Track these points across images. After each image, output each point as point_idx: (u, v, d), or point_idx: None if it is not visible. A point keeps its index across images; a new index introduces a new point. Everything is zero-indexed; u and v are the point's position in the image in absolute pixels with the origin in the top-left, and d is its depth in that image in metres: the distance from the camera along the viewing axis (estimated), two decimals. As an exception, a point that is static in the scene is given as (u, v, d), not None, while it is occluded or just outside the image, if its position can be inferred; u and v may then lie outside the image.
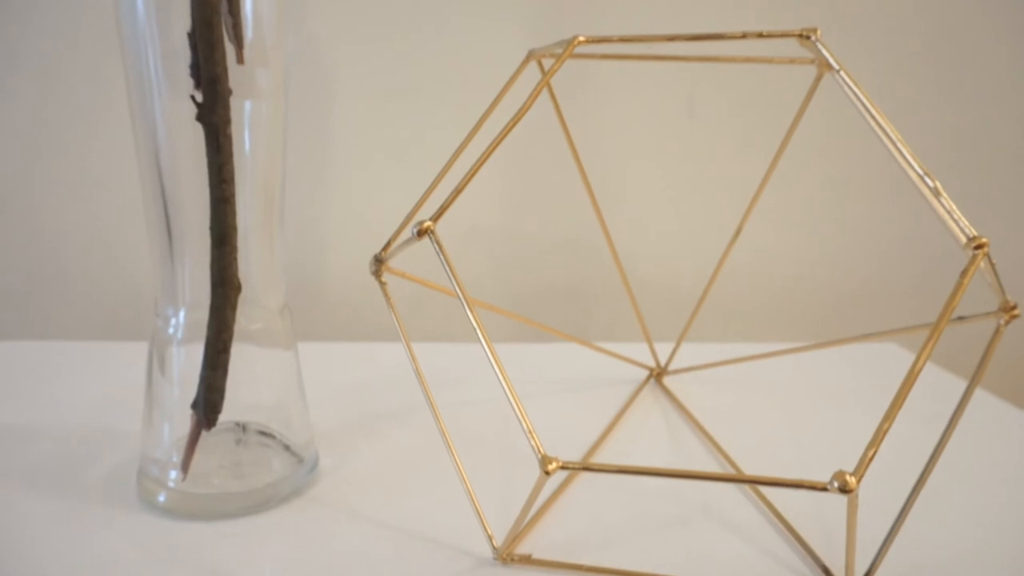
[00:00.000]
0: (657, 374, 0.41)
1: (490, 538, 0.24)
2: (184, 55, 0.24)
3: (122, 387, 0.37)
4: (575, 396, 0.39)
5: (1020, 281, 0.50)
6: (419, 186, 0.52)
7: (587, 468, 0.18)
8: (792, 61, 0.27)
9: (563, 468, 0.18)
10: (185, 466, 0.26)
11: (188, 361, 0.26)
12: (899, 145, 0.20)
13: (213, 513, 0.26)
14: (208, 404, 0.26)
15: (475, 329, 0.20)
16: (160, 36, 0.24)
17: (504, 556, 0.23)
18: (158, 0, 0.24)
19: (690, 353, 0.42)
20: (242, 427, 0.29)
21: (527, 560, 0.23)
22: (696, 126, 0.52)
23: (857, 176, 0.54)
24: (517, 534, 0.22)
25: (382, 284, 0.27)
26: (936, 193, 0.20)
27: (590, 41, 0.23)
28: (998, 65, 0.54)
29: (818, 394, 0.40)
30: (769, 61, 0.27)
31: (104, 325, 0.49)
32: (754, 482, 0.17)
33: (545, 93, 0.27)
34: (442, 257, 0.21)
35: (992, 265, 0.21)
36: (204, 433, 0.27)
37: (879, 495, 0.26)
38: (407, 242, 0.22)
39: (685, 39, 0.23)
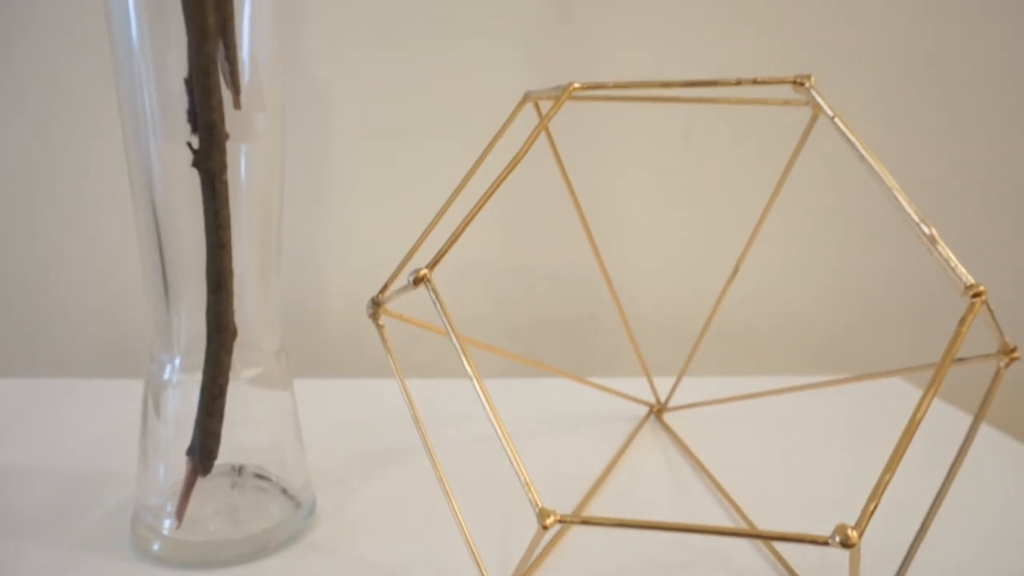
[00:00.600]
0: (657, 410, 0.40)
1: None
2: (181, 99, 0.24)
3: (119, 426, 0.36)
4: (574, 434, 0.38)
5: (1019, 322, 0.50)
6: (418, 222, 0.52)
7: (585, 522, 0.18)
8: (787, 103, 0.27)
9: (561, 522, 0.18)
10: (180, 514, 0.26)
11: (184, 404, 0.26)
12: (894, 192, 0.20)
13: (209, 561, 0.26)
14: (204, 450, 0.26)
15: (471, 379, 0.20)
16: (156, 81, 0.25)
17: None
18: (154, 46, 0.24)
19: (691, 388, 0.42)
20: (238, 470, 0.28)
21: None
22: (694, 157, 0.52)
23: (857, 208, 0.54)
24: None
25: (379, 327, 0.26)
26: (932, 241, 0.20)
27: (585, 88, 0.23)
28: (995, 99, 0.55)
29: (822, 431, 0.39)
30: (764, 103, 0.27)
31: (102, 362, 0.49)
32: (756, 536, 0.17)
33: (542, 135, 0.27)
34: (438, 306, 0.21)
35: (990, 311, 0.21)
36: (200, 479, 0.26)
37: (883, 534, 0.26)
38: (403, 289, 0.22)
39: (679, 85, 0.23)
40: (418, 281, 0.21)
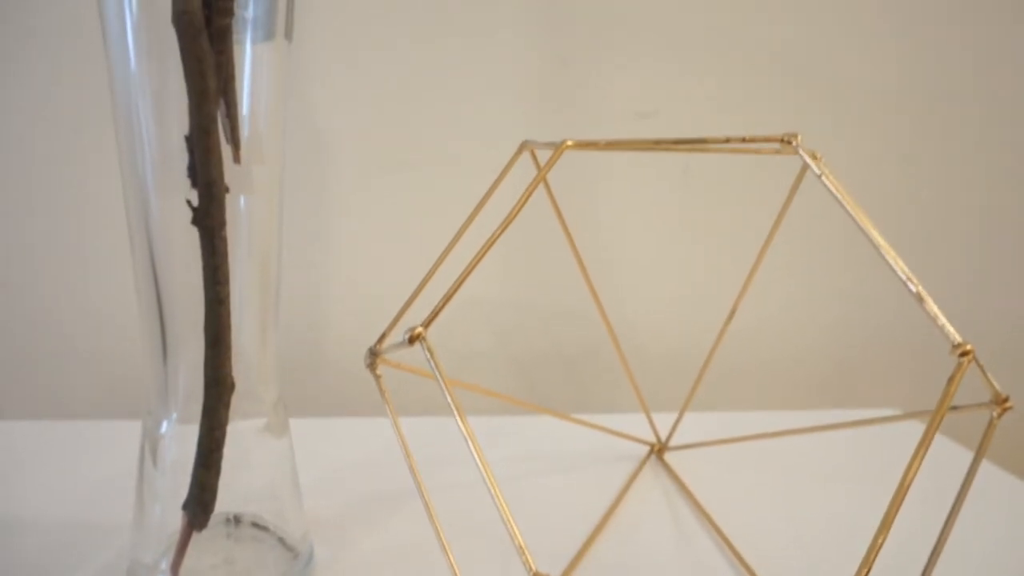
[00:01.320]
0: (658, 450, 0.40)
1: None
2: (180, 155, 0.25)
3: (114, 471, 0.36)
4: (572, 475, 0.38)
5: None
6: (417, 262, 0.52)
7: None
8: (778, 152, 0.27)
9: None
10: (175, 570, 0.26)
11: (180, 455, 0.26)
12: (882, 250, 0.21)
13: (205, 615, 0.26)
14: (200, 504, 0.26)
15: (467, 441, 0.20)
16: (157, 137, 0.25)
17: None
18: (155, 102, 0.25)
19: (693, 424, 0.42)
20: (234, 520, 0.29)
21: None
22: (692, 192, 0.52)
23: (859, 240, 0.55)
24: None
25: (377, 377, 0.27)
26: (920, 298, 0.20)
27: (577, 146, 0.23)
28: (988, 144, 0.55)
29: (824, 470, 0.39)
30: (757, 152, 0.27)
31: (100, 402, 0.49)
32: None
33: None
34: (432, 363, 0.21)
35: (980, 366, 0.21)
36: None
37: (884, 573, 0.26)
38: (399, 345, 0.23)
39: (670, 143, 0.23)
40: (413, 340, 0.21)
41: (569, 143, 0.23)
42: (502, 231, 0.22)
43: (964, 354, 0.19)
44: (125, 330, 0.49)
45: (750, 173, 0.52)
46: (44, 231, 0.48)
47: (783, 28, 0.52)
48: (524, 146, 0.30)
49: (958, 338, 0.19)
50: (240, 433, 0.27)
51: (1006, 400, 0.24)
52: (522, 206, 0.23)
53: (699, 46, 0.51)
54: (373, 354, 0.26)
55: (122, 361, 0.49)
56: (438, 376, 0.21)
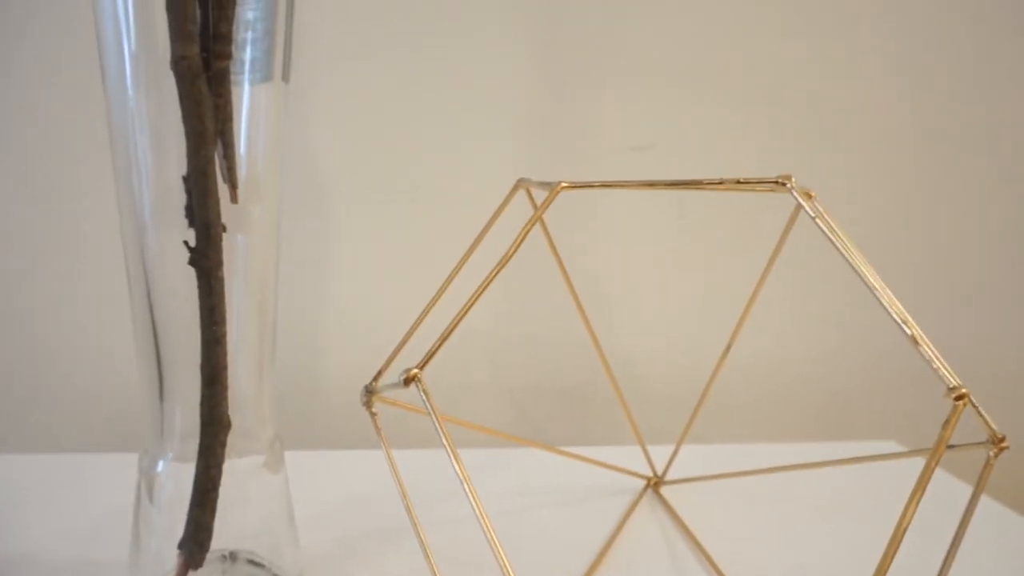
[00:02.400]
0: (654, 484, 0.40)
1: None
2: (178, 195, 0.25)
3: (112, 505, 0.36)
4: (568, 509, 0.38)
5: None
6: (412, 296, 0.52)
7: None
8: (773, 190, 0.28)
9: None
10: (171, 609, 0.26)
11: (177, 492, 0.26)
12: (877, 293, 0.21)
13: (199, 657, 0.26)
14: (196, 543, 0.26)
15: (463, 483, 0.20)
16: (155, 178, 0.25)
17: None
18: (153, 144, 0.25)
19: (690, 457, 0.42)
20: (230, 557, 0.28)
21: None
22: (688, 228, 0.53)
23: (853, 275, 0.55)
24: None
25: (372, 415, 0.27)
26: (915, 341, 0.20)
27: (572, 186, 0.23)
28: (981, 179, 0.56)
29: (821, 504, 0.39)
30: (752, 190, 0.28)
31: (98, 434, 0.49)
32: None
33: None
34: (428, 404, 0.21)
35: (976, 408, 0.21)
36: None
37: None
38: (394, 386, 0.23)
39: (664, 185, 0.24)
40: (408, 381, 0.21)
41: (564, 184, 0.23)
42: (498, 271, 0.23)
43: (959, 398, 0.19)
44: (122, 367, 0.49)
45: (745, 209, 0.52)
46: (43, 267, 0.48)
47: (779, 63, 0.52)
48: (520, 184, 0.30)
49: (953, 381, 0.19)
50: (236, 471, 0.27)
51: (1003, 440, 0.24)
52: (518, 246, 0.23)
53: (695, 80, 0.52)
54: (369, 392, 0.26)
55: (119, 398, 0.49)
56: (433, 416, 0.21)
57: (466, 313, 0.22)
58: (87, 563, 0.32)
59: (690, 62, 0.51)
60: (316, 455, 0.44)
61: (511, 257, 0.22)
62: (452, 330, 0.22)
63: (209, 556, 0.27)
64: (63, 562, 0.32)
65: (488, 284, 0.22)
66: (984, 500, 0.38)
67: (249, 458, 0.27)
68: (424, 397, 0.21)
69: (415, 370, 0.21)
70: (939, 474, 0.41)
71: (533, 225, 0.23)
